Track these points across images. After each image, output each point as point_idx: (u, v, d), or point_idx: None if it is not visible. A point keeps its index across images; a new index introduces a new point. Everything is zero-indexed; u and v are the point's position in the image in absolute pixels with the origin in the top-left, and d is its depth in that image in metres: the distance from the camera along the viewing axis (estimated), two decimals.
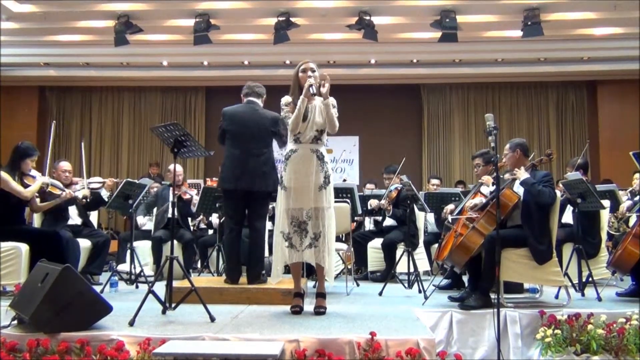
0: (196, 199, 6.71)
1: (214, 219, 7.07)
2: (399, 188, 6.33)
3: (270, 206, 5.50)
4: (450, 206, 5.44)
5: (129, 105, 11.71)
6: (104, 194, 6.23)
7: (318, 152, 4.05)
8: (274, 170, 4.73)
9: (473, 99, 11.46)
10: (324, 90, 3.98)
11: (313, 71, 4.07)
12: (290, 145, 4.11)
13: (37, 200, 5.27)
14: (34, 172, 5.17)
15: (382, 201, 6.39)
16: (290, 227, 4.00)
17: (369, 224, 7.33)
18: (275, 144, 4.85)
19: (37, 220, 5.79)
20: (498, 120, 10.66)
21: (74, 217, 5.98)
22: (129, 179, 6.04)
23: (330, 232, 4.00)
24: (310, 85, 3.94)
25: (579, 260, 5.12)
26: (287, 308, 4.07)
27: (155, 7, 8.56)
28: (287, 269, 4.24)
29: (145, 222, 6.93)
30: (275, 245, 4.08)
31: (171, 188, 6.65)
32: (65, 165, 6.00)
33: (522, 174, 4.40)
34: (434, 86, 11.44)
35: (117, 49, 8.94)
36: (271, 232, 5.17)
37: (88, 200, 5.89)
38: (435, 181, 8.23)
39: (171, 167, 7.08)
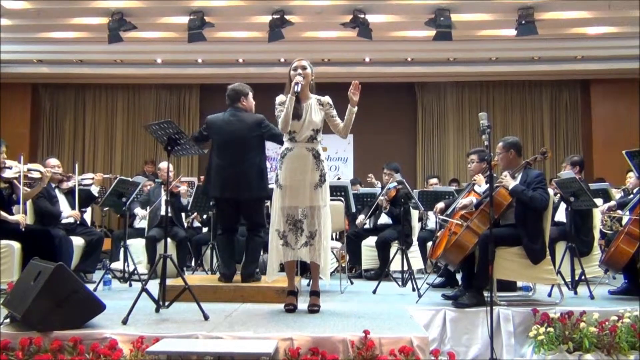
0: (184, 189, 6.71)
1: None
2: (398, 187, 6.34)
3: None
4: (440, 204, 5.45)
5: (123, 103, 11.65)
6: (94, 189, 6.21)
7: (314, 150, 4.04)
8: (261, 175, 4.65)
9: (467, 98, 11.46)
10: (355, 98, 3.97)
11: (304, 68, 4.06)
12: (285, 144, 4.10)
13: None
14: (9, 163, 5.05)
15: (381, 197, 6.40)
16: (286, 225, 4.00)
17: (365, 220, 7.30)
18: (270, 145, 4.82)
19: (30, 218, 5.75)
20: (492, 118, 10.67)
21: (71, 211, 5.95)
22: (122, 177, 6.02)
23: (325, 230, 4.00)
24: (296, 84, 3.92)
25: (571, 259, 5.15)
26: (281, 306, 4.07)
27: (149, 5, 8.52)
28: (282, 267, 4.24)
29: (145, 214, 6.83)
30: (270, 243, 4.07)
31: (163, 186, 6.66)
32: (53, 161, 5.98)
33: (510, 181, 4.38)
34: (429, 84, 11.44)
35: (111, 47, 8.90)
36: (267, 230, 5.18)
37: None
38: (433, 180, 8.27)
39: (162, 165, 7.11)
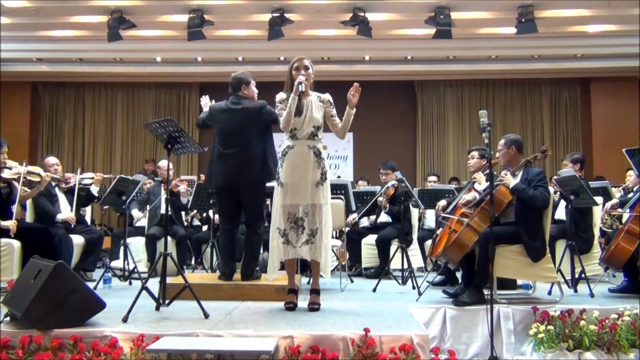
0: (184, 188, 6.72)
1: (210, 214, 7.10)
2: (396, 185, 6.34)
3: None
4: (443, 202, 5.45)
5: (123, 102, 11.65)
6: (94, 189, 6.20)
7: (315, 148, 4.04)
8: (263, 162, 4.60)
9: (467, 96, 11.46)
10: (354, 100, 3.97)
11: (307, 68, 4.06)
12: (286, 142, 4.10)
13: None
14: (10, 163, 5.05)
15: (380, 198, 6.40)
16: (287, 223, 4.00)
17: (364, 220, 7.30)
18: (273, 136, 4.78)
19: (30, 217, 5.75)
20: (492, 116, 10.66)
21: (66, 213, 5.95)
22: (122, 175, 6.02)
23: (326, 228, 4.00)
24: (300, 83, 3.92)
25: (571, 257, 5.15)
26: (281, 304, 4.07)
27: (149, 3, 8.52)
28: (282, 266, 4.24)
29: (141, 216, 6.87)
30: (271, 241, 4.07)
31: (163, 184, 6.66)
32: (52, 160, 5.98)
33: (510, 180, 4.37)
34: (428, 83, 11.44)
35: (111, 45, 8.90)
36: (265, 228, 5.19)
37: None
38: (432, 178, 8.27)
39: (161, 163, 7.12)
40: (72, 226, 5.86)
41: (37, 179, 5.18)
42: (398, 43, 9.86)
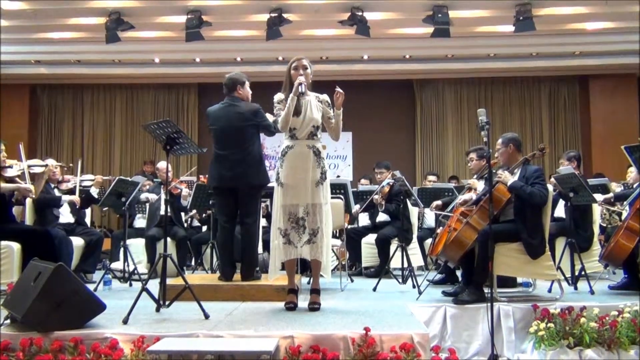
0: (186, 191, 6.71)
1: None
2: (391, 183, 6.34)
3: (264, 204, 5.46)
4: (437, 202, 5.44)
5: (121, 103, 11.63)
6: (94, 191, 6.22)
7: (314, 148, 4.05)
8: (259, 163, 4.69)
9: (466, 94, 11.45)
10: (339, 102, 3.99)
11: (305, 68, 4.07)
12: (286, 142, 4.10)
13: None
14: (9, 161, 5.04)
15: (375, 196, 6.40)
16: (288, 223, 4.00)
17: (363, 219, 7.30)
18: (269, 144, 4.83)
19: (29, 219, 5.75)
20: (491, 115, 10.67)
21: (66, 215, 5.96)
22: (121, 177, 6.03)
23: (327, 228, 4.01)
24: (300, 84, 3.92)
25: (571, 254, 5.15)
26: (282, 304, 4.08)
27: (147, 4, 8.51)
28: (282, 266, 4.25)
29: (155, 198, 6.77)
30: (272, 241, 4.07)
31: (162, 186, 6.66)
32: (51, 162, 5.98)
33: (508, 177, 4.38)
34: (427, 81, 11.43)
35: (109, 46, 8.89)
36: (265, 229, 5.18)
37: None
38: (432, 178, 8.27)
39: (160, 165, 7.11)
40: (78, 207, 5.91)
41: (41, 170, 5.17)
42: (396, 42, 9.85)
